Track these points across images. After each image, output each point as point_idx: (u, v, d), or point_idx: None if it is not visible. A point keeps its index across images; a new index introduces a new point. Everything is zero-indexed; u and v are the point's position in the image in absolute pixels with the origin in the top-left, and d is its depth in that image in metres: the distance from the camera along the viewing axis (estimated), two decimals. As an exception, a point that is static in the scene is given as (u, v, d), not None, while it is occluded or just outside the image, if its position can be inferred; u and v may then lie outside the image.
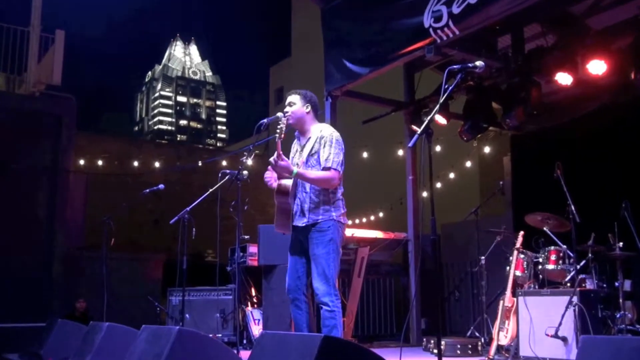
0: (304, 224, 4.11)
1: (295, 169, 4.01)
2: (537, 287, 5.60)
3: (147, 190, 6.89)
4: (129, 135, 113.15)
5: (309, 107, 4.28)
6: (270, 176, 4.22)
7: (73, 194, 11.97)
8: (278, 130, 3.92)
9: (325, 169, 4.06)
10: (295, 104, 4.27)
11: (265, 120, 4.23)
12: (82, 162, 13.69)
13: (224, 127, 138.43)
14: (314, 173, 4.09)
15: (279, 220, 4.26)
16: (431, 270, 7.50)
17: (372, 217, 14.41)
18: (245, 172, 5.01)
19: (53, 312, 9.63)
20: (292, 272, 4.17)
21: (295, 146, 4.39)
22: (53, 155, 11.42)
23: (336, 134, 4.18)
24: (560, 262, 5.58)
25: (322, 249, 4.01)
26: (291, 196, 4.19)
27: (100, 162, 14.69)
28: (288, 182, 4.19)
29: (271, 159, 3.97)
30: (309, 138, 4.22)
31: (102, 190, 14.95)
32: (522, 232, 5.91)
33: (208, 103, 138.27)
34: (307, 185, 4.13)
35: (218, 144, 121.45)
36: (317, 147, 4.14)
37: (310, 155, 4.16)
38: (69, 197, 11.63)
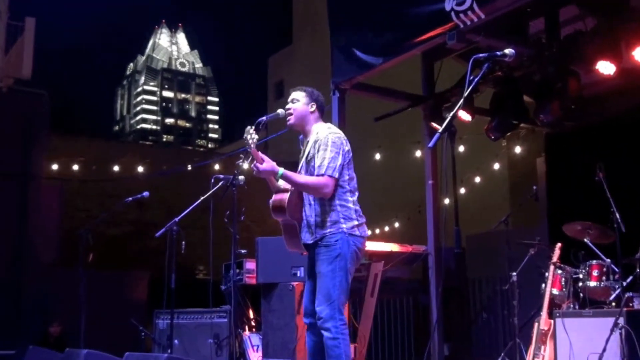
0: (312, 241, 4.12)
1: (280, 170, 3.98)
2: (577, 307, 5.58)
3: (130, 199, 6.90)
4: (108, 135, 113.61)
5: (314, 107, 4.28)
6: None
7: (45, 204, 12.01)
8: (250, 141, 3.90)
9: (318, 176, 4.04)
10: (299, 101, 4.27)
11: (264, 117, 4.23)
12: (55, 167, 13.75)
13: (217, 126, 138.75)
14: (303, 177, 4.09)
15: (288, 240, 4.25)
16: (455, 288, 7.48)
17: (387, 228, 14.40)
18: (241, 178, 5.03)
19: (23, 337, 9.64)
20: (308, 294, 4.19)
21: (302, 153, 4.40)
22: (22, 159, 11.47)
23: (333, 135, 4.14)
24: (604, 278, 5.55)
25: (328, 266, 4.01)
26: (291, 211, 4.15)
27: (75, 167, 14.73)
28: (282, 196, 4.14)
29: (252, 166, 3.96)
30: (308, 141, 4.23)
31: (78, 199, 15.01)
32: (559, 244, 5.89)
33: (198, 99, 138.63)
34: (311, 198, 4.13)
35: (210, 145, 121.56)
36: (313, 152, 4.14)
37: (307, 161, 4.17)
38: (40, 207, 11.67)
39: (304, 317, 4.20)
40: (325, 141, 4.09)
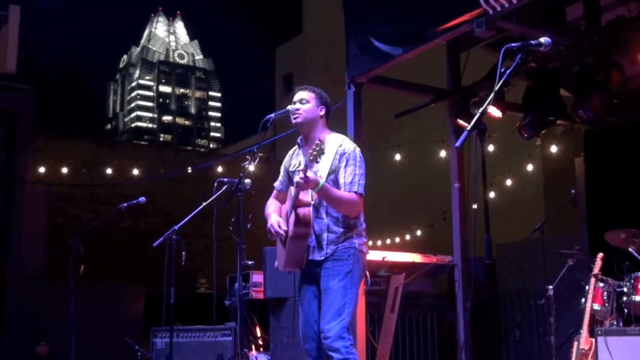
0: (321, 258, 4.16)
1: (321, 181, 4.02)
2: (621, 324, 5.56)
3: (125, 205, 6.93)
4: (99, 135, 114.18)
5: (324, 111, 4.33)
6: (277, 225, 4.22)
7: (31, 210, 12.09)
8: (311, 157, 3.96)
9: (349, 192, 4.12)
10: (309, 102, 4.31)
11: (272, 114, 4.26)
12: (42, 169, 13.83)
13: (219, 124, 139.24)
14: (340, 192, 4.14)
15: (290, 255, 4.23)
16: (485, 303, 7.47)
17: (408, 237, 14.36)
18: (247, 181, 5.02)
19: (7, 358, 9.71)
20: (307, 314, 4.20)
21: (296, 157, 4.41)
22: (6, 161, 11.55)
23: (358, 149, 4.27)
24: (651, 292, 5.53)
25: (339, 281, 4.06)
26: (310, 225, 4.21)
27: (64, 170, 14.81)
28: (307, 210, 4.17)
29: (298, 177, 3.98)
30: (322, 151, 4.22)
31: (67, 205, 15.10)
32: (600, 255, 5.87)
33: (198, 94, 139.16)
34: (323, 212, 4.18)
35: (212, 145, 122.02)
36: (337, 165, 4.18)
37: (329, 173, 4.19)
38: (26, 214, 11.74)
39: (303, 343, 4.20)
40: (355, 156, 4.20)
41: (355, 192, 4.11)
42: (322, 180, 4.03)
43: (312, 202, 4.15)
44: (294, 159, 4.44)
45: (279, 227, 4.19)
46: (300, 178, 3.95)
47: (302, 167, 4.26)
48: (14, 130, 11.65)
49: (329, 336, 3.97)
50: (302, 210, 4.17)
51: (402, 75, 8.57)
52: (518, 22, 6.66)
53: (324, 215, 4.18)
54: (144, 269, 13.36)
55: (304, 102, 4.30)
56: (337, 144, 4.23)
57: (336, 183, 4.16)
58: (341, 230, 4.15)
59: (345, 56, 7.96)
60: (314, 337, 4.14)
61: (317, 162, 4.16)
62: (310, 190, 4.09)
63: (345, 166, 4.16)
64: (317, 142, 3.96)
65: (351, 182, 4.12)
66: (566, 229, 9.37)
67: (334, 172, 4.18)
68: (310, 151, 3.97)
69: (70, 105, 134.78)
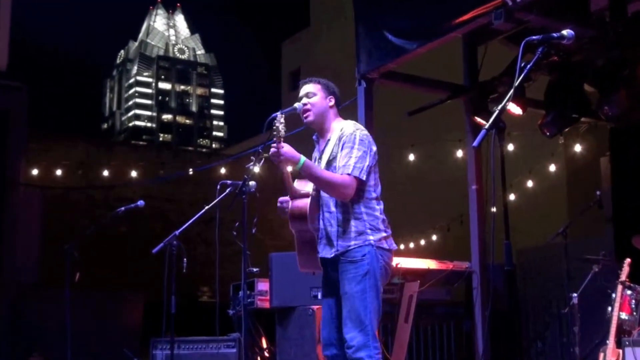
0: (332, 255, 4.13)
1: (302, 158, 4.01)
2: (650, 334, 5.54)
3: (122, 209, 6.95)
4: (95, 135, 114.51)
5: (332, 101, 4.34)
6: (286, 204, 4.21)
7: (24, 215, 12.12)
8: (274, 132, 3.95)
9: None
10: (316, 95, 4.31)
11: (279, 113, 4.26)
12: (35, 172, 13.88)
13: (222, 123, 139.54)
14: (326, 172, 4.12)
15: (302, 255, 4.26)
16: (504, 312, 7.44)
17: (423, 242, 14.37)
18: (252, 183, 5.04)
19: (-1, 371, 9.74)
20: (327, 320, 4.21)
21: (314, 154, 4.42)
22: (-3, 163, 11.58)
23: (361, 132, 4.20)
24: (682, 300, 5.52)
25: (356, 285, 4.03)
26: (312, 219, 4.19)
27: (59, 172, 14.86)
28: (303, 202, 4.18)
29: (271, 150, 3.98)
30: (328, 140, 4.25)
31: (62, 209, 15.14)
32: (628, 260, 5.86)
33: (200, 91, 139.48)
34: (332, 203, 4.15)
35: (214, 145, 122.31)
36: (336, 151, 4.18)
37: (329, 161, 4.20)
38: (18, 218, 11.78)
39: (323, 350, 4.22)
40: (352, 138, 4.14)
41: (349, 174, 4.04)
42: (302, 158, 4.01)
43: (311, 193, 4.14)
44: (314, 155, 4.44)
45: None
46: (274, 146, 3.94)
47: (317, 161, 4.30)
48: (5, 131, 11.67)
49: (351, 345, 3.97)
50: (296, 204, 4.17)
51: (416, 70, 8.57)
52: (539, 13, 6.65)
53: (333, 207, 4.16)
54: (142, 277, 13.36)
55: (310, 96, 4.31)
56: (339, 130, 4.23)
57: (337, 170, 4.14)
58: (351, 219, 4.10)
59: (354, 51, 7.98)
60: (335, 343, 4.15)
61: (324, 152, 4.22)
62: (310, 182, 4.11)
63: (341, 150, 4.14)
64: (274, 126, 3.95)
65: (345, 164, 4.07)
66: (591, 233, 9.36)
67: (334, 159, 4.17)
68: (272, 131, 3.96)
69: (65, 103, 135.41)
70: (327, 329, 4.20)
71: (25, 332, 11.02)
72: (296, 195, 4.17)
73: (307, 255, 4.24)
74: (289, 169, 4.10)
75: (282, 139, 3.95)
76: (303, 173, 4.07)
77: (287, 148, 3.96)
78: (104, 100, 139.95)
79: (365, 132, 4.23)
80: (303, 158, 4.01)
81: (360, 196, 4.13)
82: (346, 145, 4.12)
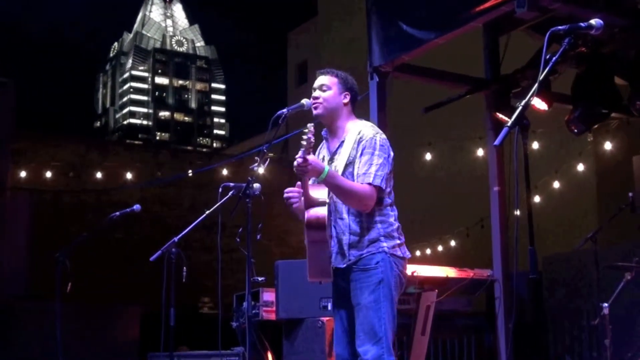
0: (344, 265, 4.16)
1: (326, 168, 4.02)
2: (687, 347, 5.53)
3: (117, 214, 6.97)
4: (88, 134, 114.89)
5: (348, 98, 4.33)
6: (295, 194, 4.20)
7: (11, 220, 12.17)
8: (304, 143, 3.91)
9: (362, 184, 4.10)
10: (331, 89, 4.31)
11: (285, 110, 4.27)
12: (23, 174, 13.94)
13: (223, 120, 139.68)
14: (349, 182, 4.12)
15: (313, 261, 4.26)
16: (529, 323, 7.45)
17: (440, 248, 14.34)
18: (256, 186, 5.04)
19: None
20: (340, 335, 4.23)
21: (322, 151, 4.42)
22: (-17, 165, 11.63)
23: (381, 136, 4.23)
24: None
25: (369, 295, 4.05)
26: (328, 227, 4.19)
27: (48, 174, 14.93)
28: (321, 211, 4.17)
29: (297, 161, 3.96)
30: (343, 141, 4.25)
31: (52, 214, 15.18)
32: (663, 267, 5.84)
33: (200, 86, 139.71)
34: (344, 210, 4.18)
35: (215, 145, 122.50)
36: (354, 155, 4.19)
37: (346, 165, 4.20)
38: (5, 224, 11.83)
39: None
40: (373, 144, 4.16)
41: (370, 184, 4.07)
42: (327, 167, 4.03)
43: (328, 201, 4.14)
44: (320, 152, 4.45)
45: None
46: (299, 157, 3.91)
47: (326, 160, 4.31)
48: (-8, 130, 11.74)
49: (365, 359, 3.98)
50: (314, 213, 4.16)
51: (433, 63, 8.57)
52: (565, 1, 6.65)
53: (345, 215, 4.19)
54: (139, 287, 13.41)
55: (324, 89, 4.31)
56: (356, 132, 4.23)
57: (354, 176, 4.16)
58: (364, 228, 4.13)
59: (366, 42, 7.99)
60: (347, 357, 4.17)
61: (338, 153, 4.21)
62: (326, 188, 4.11)
63: (361, 155, 4.15)
64: (305, 129, 3.91)
65: (365, 172, 4.10)
66: (623, 238, 9.34)
67: (351, 164, 4.18)
68: (301, 142, 3.93)
69: (55, 100, 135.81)
70: (342, 344, 4.22)
71: (12, 348, 11.05)
72: (312, 204, 4.16)
73: (320, 261, 4.24)
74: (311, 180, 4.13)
75: (310, 150, 3.95)
76: (325, 183, 4.08)
77: (312, 157, 3.96)
78: (97, 97, 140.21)
79: (384, 136, 4.26)
80: (327, 167, 4.04)
81: (375, 203, 4.15)
82: (366, 151, 4.14)
